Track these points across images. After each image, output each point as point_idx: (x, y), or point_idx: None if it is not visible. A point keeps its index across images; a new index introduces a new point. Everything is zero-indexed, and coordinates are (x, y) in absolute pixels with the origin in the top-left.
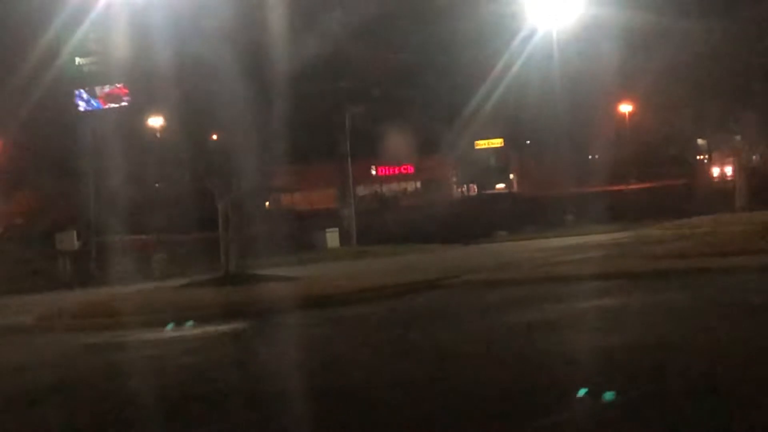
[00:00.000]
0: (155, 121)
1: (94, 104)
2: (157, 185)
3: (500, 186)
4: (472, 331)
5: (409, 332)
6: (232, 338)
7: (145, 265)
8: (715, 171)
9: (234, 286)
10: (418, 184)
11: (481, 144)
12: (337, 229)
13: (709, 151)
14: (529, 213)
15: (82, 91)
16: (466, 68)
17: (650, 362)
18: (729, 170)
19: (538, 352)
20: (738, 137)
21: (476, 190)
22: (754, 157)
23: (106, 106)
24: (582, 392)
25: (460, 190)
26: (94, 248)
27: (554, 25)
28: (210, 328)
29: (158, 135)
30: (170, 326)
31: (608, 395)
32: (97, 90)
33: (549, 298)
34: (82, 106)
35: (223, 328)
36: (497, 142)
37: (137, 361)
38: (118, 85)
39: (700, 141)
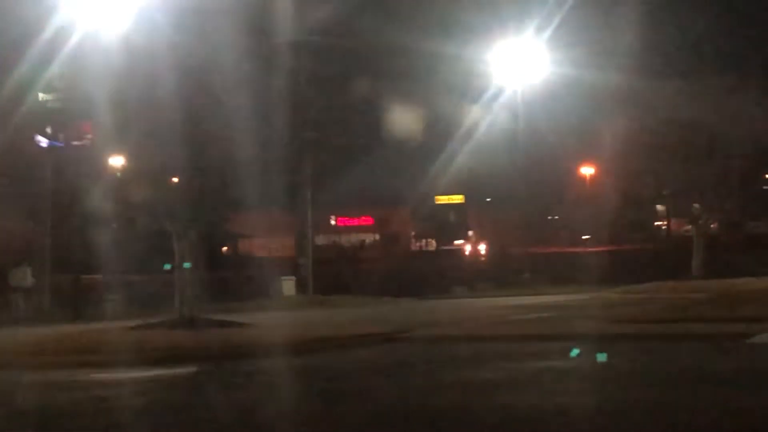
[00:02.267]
0: (116, 161)
1: (56, 142)
2: (114, 225)
3: (459, 242)
4: (414, 386)
5: (352, 385)
6: (182, 382)
7: (97, 305)
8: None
9: (186, 329)
10: (377, 237)
11: (442, 199)
12: (294, 277)
13: (668, 217)
14: (486, 270)
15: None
16: (431, 124)
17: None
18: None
19: (479, 411)
20: (696, 205)
21: (435, 245)
22: (711, 225)
23: (68, 143)
24: None
25: (418, 244)
26: (48, 286)
27: (520, 85)
28: (160, 371)
29: (119, 174)
30: None
31: None
32: (59, 127)
33: (500, 357)
34: (44, 142)
35: (174, 371)
36: (458, 198)
37: (80, 402)
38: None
39: (659, 207)
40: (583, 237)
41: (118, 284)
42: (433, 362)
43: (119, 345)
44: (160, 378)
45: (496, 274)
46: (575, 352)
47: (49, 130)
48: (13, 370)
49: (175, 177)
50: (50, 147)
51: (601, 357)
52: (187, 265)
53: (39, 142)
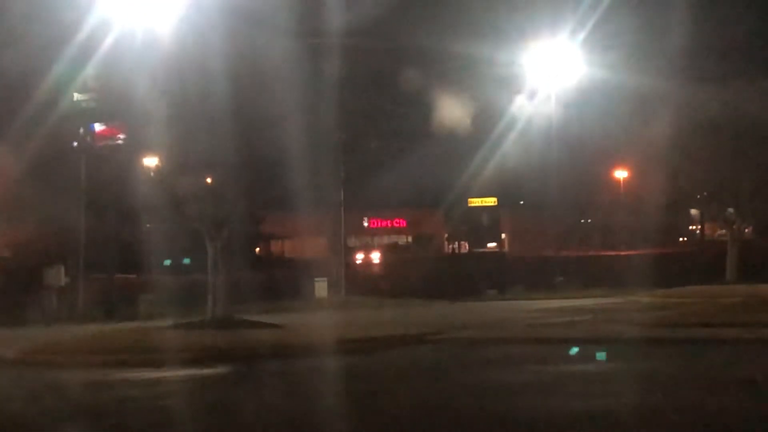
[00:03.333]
0: (150, 161)
1: (90, 141)
2: (148, 225)
3: (491, 245)
4: (443, 388)
5: (382, 385)
6: (214, 382)
7: (131, 305)
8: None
9: (219, 330)
10: (410, 239)
11: (475, 202)
12: (326, 278)
13: (702, 222)
14: (519, 273)
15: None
16: (465, 126)
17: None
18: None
19: (512, 414)
20: (731, 209)
21: (467, 247)
22: (746, 229)
23: (102, 144)
24: None
25: (450, 246)
26: (81, 285)
27: (554, 88)
28: (191, 371)
29: (152, 175)
30: None
31: None
32: (95, 127)
33: (532, 360)
34: (77, 142)
35: (205, 371)
36: (491, 201)
37: (114, 401)
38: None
39: (693, 211)
40: (617, 240)
41: (152, 284)
42: (464, 364)
43: (152, 345)
44: (193, 377)
45: (528, 277)
46: (574, 350)
47: (83, 129)
48: (50, 369)
49: (208, 177)
50: (85, 146)
51: (631, 361)
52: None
53: (72, 141)
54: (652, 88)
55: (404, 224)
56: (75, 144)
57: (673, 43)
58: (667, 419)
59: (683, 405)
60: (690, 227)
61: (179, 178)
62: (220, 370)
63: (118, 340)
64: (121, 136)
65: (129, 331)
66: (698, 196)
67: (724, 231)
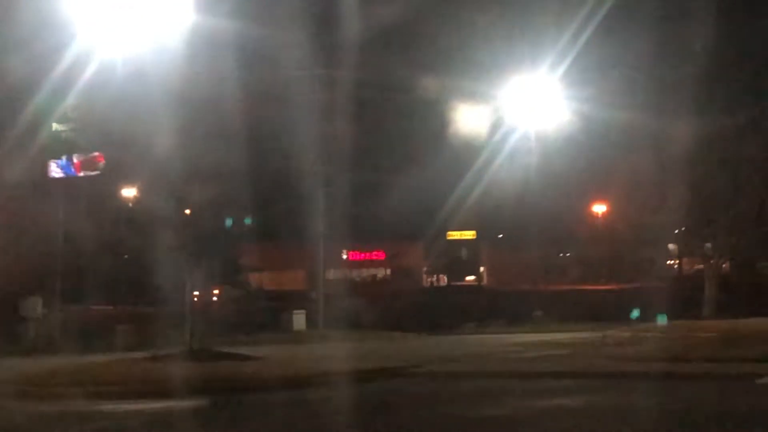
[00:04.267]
0: (129, 192)
1: (69, 171)
2: (126, 257)
3: (470, 278)
4: (418, 421)
5: (358, 419)
6: (190, 414)
7: (108, 336)
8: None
9: (196, 362)
10: (389, 271)
11: (454, 235)
12: (304, 311)
13: (680, 256)
14: (497, 307)
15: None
16: (446, 158)
17: None
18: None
19: None
20: (708, 244)
21: (446, 280)
22: (723, 264)
23: (81, 174)
24: None
25: (429, 279)
26: (58, 316)
27: (533, 122)
28: (167, 403)
29: (131, 206)
30: None
31: None
32: (74, 157)
33: (510, 393)
34: (56, 172)
35: (182, 404)
36: (470, 234)
37: None
38: (95, 154)
39: (671, 245)
40: (595, 274)
41: (128, 315)
42: (443, 397)
43: (129, 376)
44: (169, 410)
45: (507, 311)
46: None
47: (62, 160)
48: (25, 400)
49: (187, 209)
50: (63, 177)
51: (609, 395)
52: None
53: (52, 171)
54: (631, 122)
55: (383, 257)
56: (53, 174)
57: (652, 78)
58: None
59: None
60: (668, 261)
61: (158, 210)
62: (196, 402)
63: (94, 371)
64: (100, 165)
65: (106, 362)
66: (676, 231)
67: (701, 266)
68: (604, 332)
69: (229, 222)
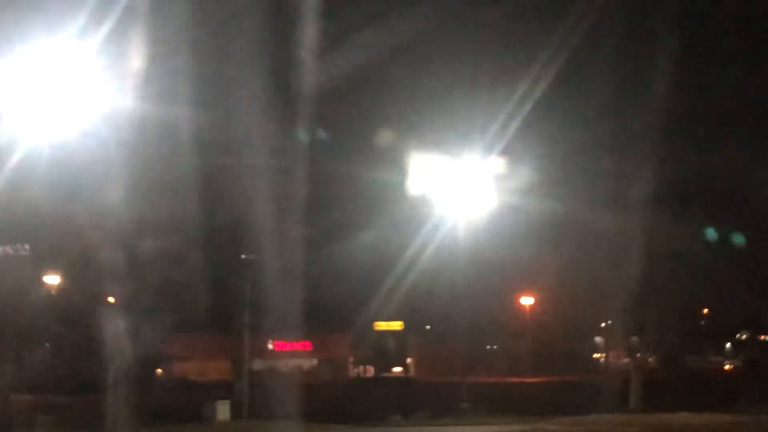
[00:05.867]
0: (52, 279)
1: None
2: (47, 344)
3: (397, 369)
4: None
5: None
6: None
7: (29, 426)
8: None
9: None
10: (315, 362)
11: (381, 326)
12: (229, 401)
13: (606, 350)
14: (424, 398)
15: None
16: (372, 250)
17: None
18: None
19: None
20: (635, 338)
21: (373, 371)
22: (650, 358)
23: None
24: None
25: (356, 370)
26: None
27: (461, 214)
28: None
29: (53, 293)
30: None
31: None
32: None
33: None
34: None
35: None
36: (397, 325)
37: None
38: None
39: (597, 339)
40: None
41: (48, 405)
42: None
43: None
44: None
45: (434, 402)
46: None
47: None
48: None
49: (110, 297)
50: None
51: None
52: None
53: None
54: (560, 214)
55: (310, 347)
56: None
57: (584, 169)
58: None
59: None
60: (594, 354)
61: (79, 299)
62: None
63: None
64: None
65: None
66: (603, 324)
67: (627, 359)
68: (532, 425)
69: None
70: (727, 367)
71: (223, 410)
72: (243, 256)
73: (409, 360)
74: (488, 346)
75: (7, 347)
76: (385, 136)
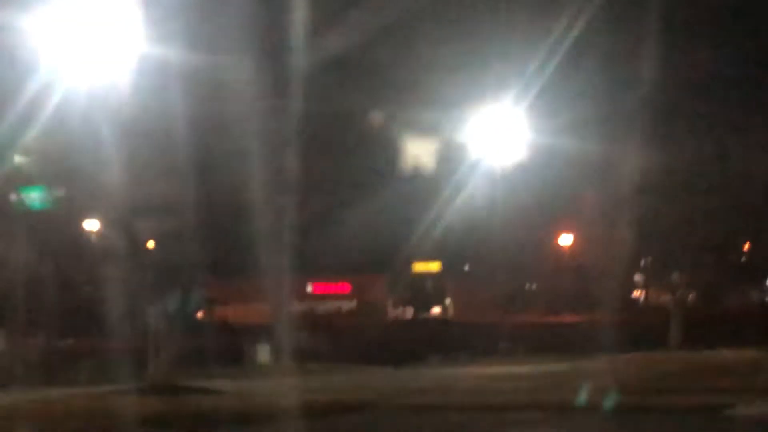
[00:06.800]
0: (91, 225)
1: (31, 204)
2: (88, 289)
3: (436, 310)
4: None
5: None
6: None
7: (70, 370)
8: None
9: (159, 396)
10: (354, 304)
11: (419, 267)
12: (269, 344)
13: (646, 288)
14: (463, 339)
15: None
16: (410, 191)
17: None
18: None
19: None
20: (675, 275)
21: (411, 313)
22: (689, 296)
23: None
24: None
25: (395, 312)
26: (20, 350)
27: (498, 154)
28: None
29: (93, 239)
30: None
31: None
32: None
33: (477, 427)
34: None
35: None
36: (435, 266)
37: None
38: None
39: (637, 277)
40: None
41: (91, 349)
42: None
43: (90, 412)
44: None
45: (473, 343)
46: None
47: (24, 193)
48: None
49: (150, 242)
50: (25, 210)
51: (577, 428)
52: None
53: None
54: (597, 153)
55: (348, 289)
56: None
57: (618, 108)
58: None
59: None
60: (634, 293)
61: (122, 244)
62: None
63: (56, 406)
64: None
65: (68, 397)
66: (642, 262)
67: (668, 297)
68: (571, 364)
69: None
70: None
71: (263, 353)
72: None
73: (447, 301)
74: (527, 286)
75: (50, 294)
76: (419, 78)
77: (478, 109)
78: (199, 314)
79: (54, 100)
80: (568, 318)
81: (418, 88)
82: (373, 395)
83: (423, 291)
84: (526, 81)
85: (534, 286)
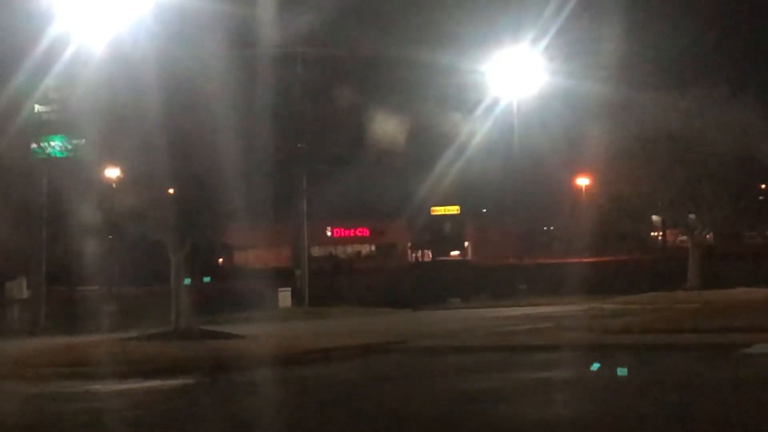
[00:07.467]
0: (111, 172)
1: (52, 152)
2: (110, 237)
3: (455, 253)
4: (406, 396)
5: (344, 396)
6: (178, 393)
7: (95, 317)
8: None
9: (182, 341)
10: (373, 248)
11: (438, 210)
12: (289, 288)
13: (663, 228)
14: (482, 281)
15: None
16: (427, 135)
17: None
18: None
19: (467, 421)
20: (692, 215)
21: (431, 256)
22: (707, 236)
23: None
24: None
25: (414, 255)
26: (44, 298)
27: (515, 95)
28: (155, 383)
29: (114, 186)
30: None
31: None
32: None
33: (496, 367)
34: (39, 153)
35: (169, 383)
36: (454, 209)
37: (76, 414)
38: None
39: (655, 217)
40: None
41: (114, 296)
42: (428, 372)
43: (115, 357)
44: (155, 389)
45: (491, 285)
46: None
47: (44, 141)
48: (10, 382)
49: (170, 188)
50: (45, 158)
51: (595, 367)
52: (187, 280)
53: (34, 153)
54: (614, 96)
55: (367, 233)
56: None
57: (634, 51)
58: (627, 425)
59: (643, 411)
60: (652, 233)
61: (141, 190)
62: (183, 381)
63: (80, 352)
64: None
65: (92, 343)
66: (660, 203)
67: (685, 237)
68: (589, 305)
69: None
70: None
71: (284, 298)
72: (299, 145)
73: (466, 243)
74: (545, 228)
75: (70, 243)
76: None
77: (497, 51)
78: (221, 260)
79: (71, 49)
80: (586, 259)
81: (437, 31)
82: (394, 337)
83: (442, 234)
84: (543, 23)
85: (552, 228)
